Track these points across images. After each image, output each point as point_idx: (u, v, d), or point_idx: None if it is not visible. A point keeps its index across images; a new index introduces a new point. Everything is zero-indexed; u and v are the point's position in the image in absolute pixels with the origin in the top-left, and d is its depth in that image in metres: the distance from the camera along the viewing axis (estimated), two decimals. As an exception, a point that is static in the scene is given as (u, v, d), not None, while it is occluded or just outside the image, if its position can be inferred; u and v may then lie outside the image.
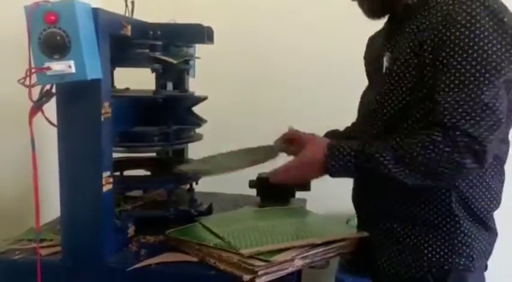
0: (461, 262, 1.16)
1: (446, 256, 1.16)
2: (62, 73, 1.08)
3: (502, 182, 1.22)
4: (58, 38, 1.07)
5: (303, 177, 1.30)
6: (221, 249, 1.19)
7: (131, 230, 1.38)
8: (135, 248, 1.32)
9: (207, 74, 1.85)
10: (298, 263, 1.17)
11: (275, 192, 1.74)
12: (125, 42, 1.36)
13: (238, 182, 1.77)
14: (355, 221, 1.87)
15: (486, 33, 1.03)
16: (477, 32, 1.03)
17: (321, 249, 1.22)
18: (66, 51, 1.07)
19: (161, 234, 1.38)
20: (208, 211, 1.57)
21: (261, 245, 1.17)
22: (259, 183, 1.75)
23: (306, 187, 1.75)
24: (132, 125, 1.43)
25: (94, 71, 1.12)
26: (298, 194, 1.77)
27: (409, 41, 1.13)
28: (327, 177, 1.88)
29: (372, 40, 1.42)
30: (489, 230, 1.21)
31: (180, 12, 1.61)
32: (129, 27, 1.31)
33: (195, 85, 1.73)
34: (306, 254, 1.19)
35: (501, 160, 1.20)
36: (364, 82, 1.43)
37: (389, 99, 1.18)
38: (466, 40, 1.03)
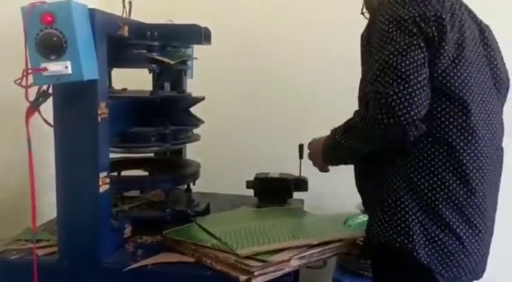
0: (399, 239, 1.14)
1: (385, 230, 1.16)
2: (59, 74, 1.08)
3: (456, 174, 1.15)
4: (54, 38, 1.07)
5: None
6: (218, 249, 1.19)
7: (128, 231, 1.38)
8: (131, 249, 1.32)
9: (205, 74, 1.85)
10: (295, 263, 1.17)
11: (272, 193, 1.74)
12: (122, 42, 1.36)
13: (235, 183, 1.78)
14: (353, 221, 1.88)
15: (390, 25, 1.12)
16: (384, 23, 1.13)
17: (317, 249, 1.23)
18: (62, 52, 1.08)
19: (158, 235, 1.38)
20: (206, 211, 1.57)
21: (258, 245, 1.17)
22: (257, 183, 1.75)
23: (303, 187, 1.76)
24: (130, 126, 1.43)
25: (90, 71, 1.12)
26: (296, 195, 1.77)
27: (365, 33, 1.24)
28: (323, 178, 1.90)
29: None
30: (447, 228, 1.14)
31: (177, 13, 1.62)
32: (126, 28, 1.31)
33: (193, 86, 1.73)
34: (303, 255, 1.19)
35: (454, 149, 1.14)
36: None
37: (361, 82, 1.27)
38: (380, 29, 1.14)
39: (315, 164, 1.44)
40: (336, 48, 2.14)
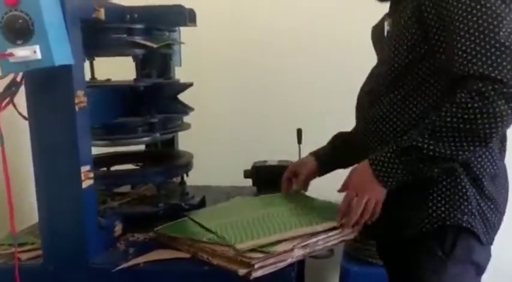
0: (464, 219, 1.09)
1: (448, 211, 1.10)
2: (27, 60, 0.99)
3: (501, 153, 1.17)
4: (20, 21, 0.98)
5: (363, 196, 1.13)
6: (215, 243, 1.10)
7: (118, 229, 1.29)
8: (123, 247, 1.23)
9: (196, 61, 1.76)
10: (298, 253, 1.08)
11: (272, 181, 1.65)
12: (100, 27, 1.26)
13: (232, 174, 1.69)
14: None
15: None
16: None
17: (322, 236, 1.13)
18: (29, 35, 0.98)
19: (151, 232, 1.29)
20: (201, 204, 1.48)
21: (257, 238, 1.08)
22: (255, 172, 1.67)
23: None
24: (114, 117, 1.34)
25: (63, 56, 1.03)
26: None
27: (409, 5, 1.11)
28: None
29: (376, 27, 1.36)
30: (490, 200, 1.13)
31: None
32: (102, 11, 1.21)
33: (182, 73, 1.63)
34: (306, 243, 1.10)
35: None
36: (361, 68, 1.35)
37: (392, 59, 1.14)
38: None
39: (362, 197, 1.13)
40: (333, 32, 2.06)
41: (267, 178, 1.65)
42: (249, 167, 1.71)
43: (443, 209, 1.11)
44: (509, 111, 0.96)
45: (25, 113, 1.11)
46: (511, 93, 0.95)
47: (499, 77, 0.95)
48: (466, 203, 1.10)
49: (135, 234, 1.31)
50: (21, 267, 1.11)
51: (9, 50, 0.98)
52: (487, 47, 0.97)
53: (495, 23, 0.97)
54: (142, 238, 1.29)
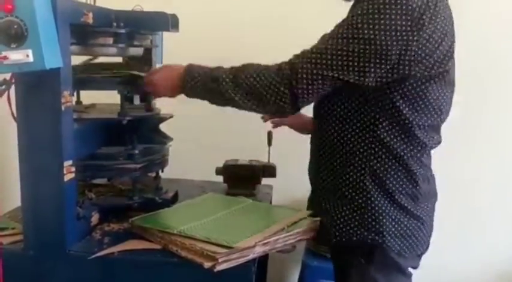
0: (370, 236, 1.22)
1: (356, 228, 1.23)
2: (20, 62, 1.07)
3: (426, 170, 1.27)
4: (15, 26, 1.05)
5: (163, 86, 1.37)
6: (184, 236, 1.21)
7: (95, 218, 1.38)
8: (98, 236, 1.33)
9: (175, 61, 1.84)
10: (259, 249, 1.20)
11: (241, 179, 1.76)
12: (87, 30, 1.35)
13: (205, 169, 1.79)
14: None
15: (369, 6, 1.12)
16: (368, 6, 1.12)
17: (282, 235, 1.25)
18: (23, 40, 1.06)
19: (126, 222, 1.39)
20: (174, 199, 1.58)
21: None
22: (226, 170, 1.77)
23: (271, 173, 1.78)
24: (98, 147, 1.45)
25: (53, 60, 1.11)
26: (264, 181, 1.79)
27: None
28: (293, 163, 1.90)
29: None
30: (409, 214, 1.23)
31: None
32: (91, 15, 1.29)
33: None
34: (267, 241, 1.21)
35: (426, 147, 1.24)
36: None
37: None
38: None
39: (160, 89, 1.38)
40: (308, 33, 2.14)
41: (237, 176, 1.76)
42: (221, 165, 1.81)
43: (352, 225, 1.23)
44: (286, 97, 1.18)
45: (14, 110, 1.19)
46: (294, 84, 1.16)
47: (296, 65, 1.17)
48: (374, 223, 1.21)
49: (110, 224, 1.40)
50: (2, 251, 1.20)
51: (3, 53, 1.06)
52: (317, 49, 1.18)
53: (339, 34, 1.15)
54: (117, 228, 1.39)
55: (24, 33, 1.06)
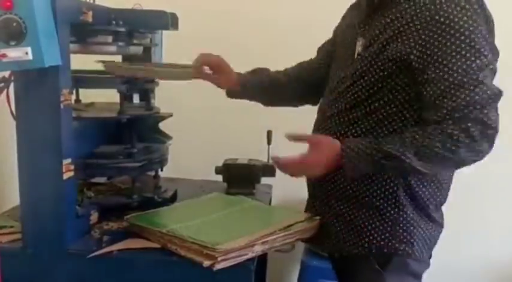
0: (401, 248, 1.21)
1: (387, 240, 1.21)
2: (19, 60, 1.07)
3: (450, 176, 1.28)
4: (14, 24, 1.05)
5: (313, 174, 1.26)
6: (172, 235, 1.21)
7: (94, 217, 1.38)
8: (97, 235, 1.32)
9: (174, 59, 1.84)
10: (258, 248, 1.19)
11: (241, 178, 1.76)
12: (87, 28, 1.34)
13: (204, 168, 1.79)
14: None
15: (467, 25, 1.07)
16: (460, 23, 1.07)
17: (280, 234, 1.25)
18: (22, 37, 1.06)
19: (125, 221, 1.39)
20: (173, 198, 1.58)
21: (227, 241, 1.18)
22: (225, 169, 1.77)
23: (271, 173, 1.78)
24: (97, 145, 1.46)
25: (52, 57, 1.11)
26: (264, 180, 1.79)
27: (382, 31, 1.16)
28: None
29: (351, 11, 1.40)
30: (432, 221, 1.25)
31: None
32: (90, 13, 1.29)
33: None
34: (266, 240, 1.21)
35: None
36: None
37: (360, 84, 1.20)
38: (457, 31, 1.07)
39: (311, 175, 1.26)
40: (305, 34, 2.15)
41: (236, 175, 1.75)
42: (221, 164, 1.81)
43: (383, 237, 1.21)
44: (489, 149, 1.07)
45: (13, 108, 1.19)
46: (492, 135, 1.06)
47: (483, 118, 1.04)
48: (405, 234, 1.21)
49: (109, 223, 1.40)
50: (1, 249, 1.20)
51: (2, 51, 1.06)
52: (471, 88, 1.05)
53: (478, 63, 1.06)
54: (116, 227, 1.38)
55: (23, 30, 1.06)
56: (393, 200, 1.20)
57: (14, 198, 1.39)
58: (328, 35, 1.52)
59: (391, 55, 1.13)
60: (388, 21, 1.16)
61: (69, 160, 1.22)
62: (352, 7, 1.40)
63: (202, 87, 2.18)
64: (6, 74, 1.16)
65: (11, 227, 1.32)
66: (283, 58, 2.18)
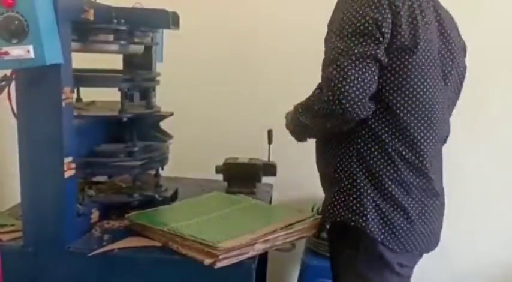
0: (353, 218, 1.24)
1: (341, 209, 1.26)
2: (21, 58, 1.07)
3: (416, 161, 1.26)
4: (16, 22, 1.06)
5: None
6: (173, 234, 1.21)
7: (95, 216, 1.38)
8: (98, 233, 1.32)
9: (175, 59, 1.84)
10: (259, 247, 1.19)
11: (241, 177, 1.76)
12: (88, 26, 1.34)
13: (205, 167, 1.79)
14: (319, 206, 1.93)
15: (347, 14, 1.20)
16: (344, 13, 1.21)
17: (282, 233, 1.25)
18: (24, 35, 1.06)
19: (126, 220, 1.39)
20: (174, 197, 1.58)
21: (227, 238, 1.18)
22: (226, 168, 1.77)
23: (271, 172, 1.78)
24: (97, 144, 1.45)
25: (53, 56, 1.11)
26: (264, 179, 1.79)
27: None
28: (293, 162, 1.90)
29: None
30: (397, 205, 1.24)
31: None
32: (92, 12, 1.29)
33: (163, 70, 1.71)
34: (267, 238, 1.21)
35: (404, 131, 1.24)
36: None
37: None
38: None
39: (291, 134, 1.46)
40: (304, 34, 2.15)
41: (237, 174, 1.75)
42: (221, 163, 1.81)
43: (338, 207, 1.27)
44: (330, 99, 1.16)
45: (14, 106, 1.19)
46: (331, 87, 1.15)
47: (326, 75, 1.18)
48: (358, 205, 1.24)
49: (110, 222, 1.40)
50: (2, 248, 1.20)
51: (4, 49, 1.06)
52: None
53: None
54: (117, 225, 1.38)
55: (25, 28, 1.06)
56: (348, 172, 1.26)
57: (14, 197, 1.40)
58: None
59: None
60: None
61: (70, 158, 1.22)
62: None
63: (202, 86, 2.21)
64: (8, 72, 1.16)
65: (12, 225, 1.32)
66: (285, 59, 2.22)
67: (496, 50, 2.08)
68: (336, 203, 1.27)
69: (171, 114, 1.57)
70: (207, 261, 1.12)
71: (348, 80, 1.14)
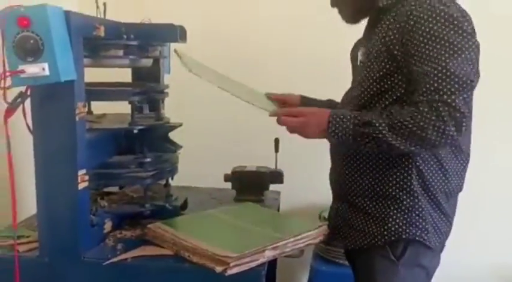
0: (417, 233, 1.28)
1: (405, 227, 1.29)
2: (36, 75, 1.11)
3: (461, 168, 1.34)
4: (31, 41, 1.10)
5: (304, 132, 1.31)
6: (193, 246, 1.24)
7: (108, 226, 1.41)
8: (112, 243, 1.36)
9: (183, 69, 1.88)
10: (269, 254, 1.23)
11: (249, 186, 1.79)
12: (99, 42, 1.39)
13: (213, 176, 1.82)
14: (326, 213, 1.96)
15: (443, 26, 1.17)
16: (436, 24, 1.17)
17: (291, 240, 1.28)
18: (39, 54, 1.10)
19: (138, 229, 1.43)
20: (184, 206, 1.61)
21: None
22: (234, 177, 1.80)
23: (279, 180, 1.81)
24: (109, 156, 1.49)
25: (67, 72, 1.15)
26: (272, 187, 1.83)
27: (380, 38, 1.28)
28: (300, 170, 1.93)
29: (353, 49, 1.52)
30: (442, 213, 1.32)
31: (154, 12, 1.64)
32: (102, 28, 1.33)
33: (171, 81, 1.74)
34: (276, 245, 1.24)
35: (459, 147, 1.30)
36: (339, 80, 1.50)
37: (362, 87, 1.31)
38: (427, 30, 1.18)
39: (299, 130, 1.30)
40: (313, 44, 2.19)
41: (245, 183, 1.79)
42: (229, 171, 1.84)
43: (401, 224, 1.29)
44: (454, 134, 1.13)
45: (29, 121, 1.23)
46: (459, 118, 1.12)
47: (452, 103, 1.12)
48: (421, 220, 1.28)
49: (122, 232, 1.44)
50: (19, 259, 1.23)
51: (20, 67, 1.10)
52: (443, 77, 1.14)
53: (447, 55, 1.15)
54: (130, 235, 1.42)
55: (40, 47, 1.10)
56: (408, 189, 1.28)
57: (29, 209, 1.44)
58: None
59: (384, 57, 1.25)
60: (382, 31, 1.28)
61: (83, 171, 1.26)
62: (358, 41, 1.51)
63: (208, 97, 2.24)
64: (23, 88, 1.20)
65: (28, 236, 1.36)
66: (293, 68, 2.25)
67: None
68: (397, 220, 1.29)
69: (180, 125, 1.61)
70: (218, 268, 1.15)
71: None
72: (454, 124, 1.12)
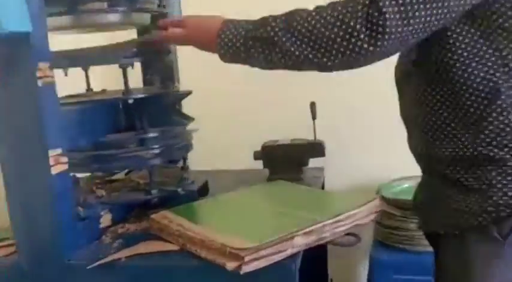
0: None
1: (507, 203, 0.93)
2: (-28, 25, 0.85)
3: None
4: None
5: (191, 38, 1.11)
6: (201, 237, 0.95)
7: (106, 219, 1.15)
8: (108, 240, 1.09)
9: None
10: (299, 242, 0.91)
11: (284, 162, 1.48)
12: None
13: (241, 156, 1.53)
14: (389, 190, 1.63)
15: None
16: None
17: (329, 221, 0.96)
18: (-28, -4, 0.84)
19: (144, 221, 1.16)
20: (202, 190, 1.32)
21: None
22: (265, 153, 1.50)
23: (319, 152, 1.49)
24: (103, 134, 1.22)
25: (16, 21, 0.89)
26: (312, 162, 1.50)
27: None
28: (343, 139, 1.59)
29: None
30: None
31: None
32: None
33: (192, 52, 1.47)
34: (310, 230, 0.92)
35: None
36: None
37: None
38: None
39: (191, 33, 1.10)
40: None
41: (279, 159, 1.48)
42: (259, 148, 1.54)
43: (510, 194, 0.93)
44: (365, 45, 0.84)
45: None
46: (377, 22, 0.82)
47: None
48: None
49: (125, 225, 1.16)
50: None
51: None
52: None
53: None
54: (133, 229, 1.15)
55: (-27, -13, 0.84)
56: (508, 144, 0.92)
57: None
58: None
59: None
60: None
61: (58, 151, 0.98)
62: None
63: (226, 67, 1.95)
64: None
65: (6, 238, 1.11)
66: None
67: None
68: (504, 189, 0.94)
69: (189, 93, 1.32)
70: (230, 265, 0.85)
71: None
72: (369, 28, 0.83)
